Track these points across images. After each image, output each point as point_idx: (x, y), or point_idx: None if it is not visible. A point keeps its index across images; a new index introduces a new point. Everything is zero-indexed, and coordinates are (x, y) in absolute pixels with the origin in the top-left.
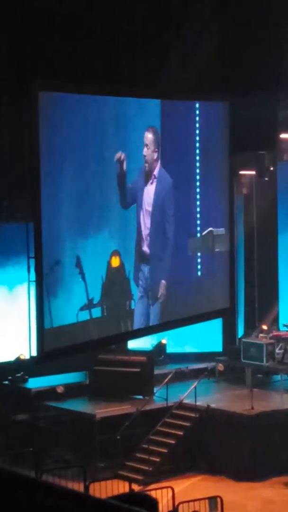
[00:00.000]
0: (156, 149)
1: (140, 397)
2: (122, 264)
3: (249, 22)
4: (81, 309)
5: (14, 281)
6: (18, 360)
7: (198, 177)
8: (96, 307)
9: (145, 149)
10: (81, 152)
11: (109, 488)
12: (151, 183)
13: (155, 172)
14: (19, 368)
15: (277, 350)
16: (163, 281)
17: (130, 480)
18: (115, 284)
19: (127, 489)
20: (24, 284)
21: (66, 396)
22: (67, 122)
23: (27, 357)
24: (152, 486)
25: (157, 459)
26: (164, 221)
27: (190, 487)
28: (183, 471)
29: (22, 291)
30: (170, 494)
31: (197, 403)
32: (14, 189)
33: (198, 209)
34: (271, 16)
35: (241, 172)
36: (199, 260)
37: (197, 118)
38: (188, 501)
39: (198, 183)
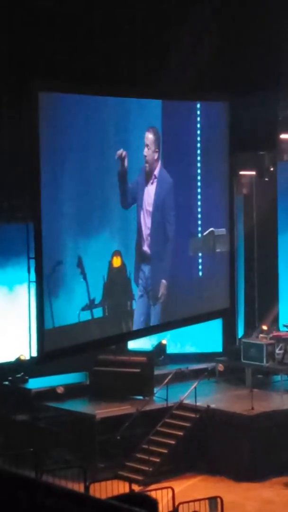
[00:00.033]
0: (157, 149)
1: (140, 397)
2: (123, 264)
3: (249, 22)
4: (83, 309)
5: (14, 281)
6: (18, 361)
7: (199, 177)
8: (98, 307)
9: (145, 149)
10: (81, 152)
11: (109, 489)
12: (152, 183)
13: (156, 172)
14: (19, 369)
15: (277, 351)
16: (163, 281)
17: (130, 481)
18: (117, 284)
19: (127, 490)
20: (24, 284)
21: (66, 396)
22: (67, 122)
23: (27, 357)
24: (152, 486)
25: (157, 460)
26: (165, 221)
27: (190, 488)
28: (183, 472)
29: (22, 291)
30: (170, 494)
31: (197, 404)
32: (14, 189)
33: (199, 210)
34: (271, 16)
35: (241, 173)
36: (200, 260)
37: (198, 119)
38: (188, 502)
39: (199, 184)
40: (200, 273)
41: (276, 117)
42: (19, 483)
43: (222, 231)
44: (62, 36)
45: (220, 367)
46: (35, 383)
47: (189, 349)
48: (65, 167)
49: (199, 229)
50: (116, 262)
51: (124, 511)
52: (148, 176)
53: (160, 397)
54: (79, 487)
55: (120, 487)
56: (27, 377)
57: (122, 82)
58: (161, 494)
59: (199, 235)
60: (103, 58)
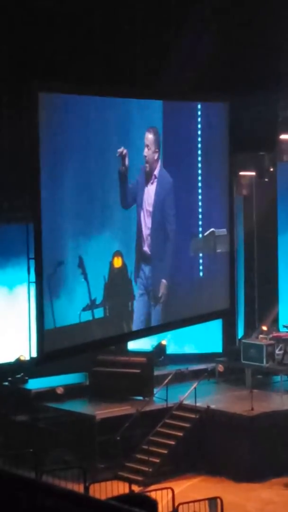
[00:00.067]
0: (157, 150)
1: (140, 398)
2: (124, 264)
3: (249, 22)
4: (84, 309)
5: (14, 282)
6: (18, 361)
7: (199, 177)
8: (99, 307)
9: (145, 149)
10: (81, 153)
11: (109, 489)
12: (152, 183)
13: (156, 172)
14: (19, 369)
15: (277, 351)
16: (163, 281)
17: (130, 481)
18: (118, 285)
19: (127, 490)
20: (24, 285)
21: (66, 397)
22: (67, 122)
23: (27, 358)
24: (152, 487)
25: (157, 460)
26: (165, 221)
27: (190, 488)
28: (183, 472)
29: (22, 292)
30: (170, 495)
31: (197, 404)
32: (14, 189)
33: (200, 210)
34: (271, 16)
35: (241, 173)
36: (201, 260)
37: (199, 119)
38: (188, 502)
39: (199, 184)
40: (201, 274)
41: (276, 117)
42: (19, 484)
43: (223, 231)
44: (62, 36)
45: (220, 367)
46: (35, 384)
47: (189, 349)
48: (65, 167)
49: (200, 229)
50: (117, 262)
51: None
52: (148, 176)
53: (160, 398)
54: (79, 488)
55: (120, 488)
56: (27, 378)
57: (122, 82)
58: (161, 495)
59: (200, 235)
60: (103, 58)
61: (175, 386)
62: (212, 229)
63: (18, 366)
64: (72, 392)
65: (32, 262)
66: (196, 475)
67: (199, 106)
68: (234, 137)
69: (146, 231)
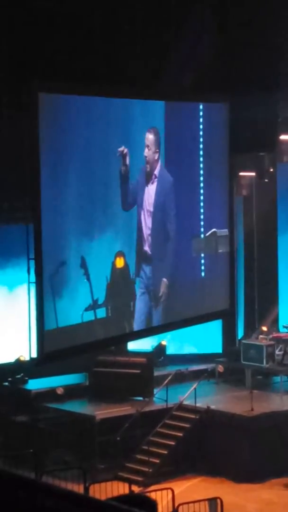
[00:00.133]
0: (157, 150)
1: (140, 398)
2: (126, 264)
3: (249, 22)
4: (86, 309)
5: (14, 282)
6: (18, 362)
7: (201, 178)
8: (101, 307)
9: (146, 150)
10: (82, 153)
11: (109, 490)
12: (152, 183)
13: (156, 172)
14: (19, 370)
15: (277, 352)
16: (164, 280)
17: (130, 482)
18: (120, 285)
19: (127, 491)
20: (24, 285)
21: (66, 397)
22: (67, 122)
23: (27, 358)
24: (152, 487)
25: (157, 461)
26: (166, 221)
27: (190, 489)
28: (183, 473)
29: (22, 292)
30: (170, 495)
31: (197, 405)
32: (14, 190)
33: (201, 210)
34: (271, 16)
35: (241, 174)
36: (202, 261)
37: (201, 120)
38: (188, 503)
39: (201, 184)
40: (203, 274)
41: (276, 118)
42: (19, 484)
43: (225, 231)
44: (62, 36)
45: (220, 368)
46: (35, 384)
47: (189, 350)
48: (65, 167)
49: (202, 229)
50: (119, 262)
51: None
52: (148, 176)
53: (160, 398)
54: (78, 488)
55: (120, 488)
56: (27, 378)
57: (122, 83)
58: (161, 495)
59: (202, 235)
60: (103, 58)
61: (175, 387)
62: (214, 230)
63: (18, 366)
64: (72, 392)
65: (32, 263)
66: (196, 476)
67: (201, 107)
68: (234, 137)
69: (146, 231)
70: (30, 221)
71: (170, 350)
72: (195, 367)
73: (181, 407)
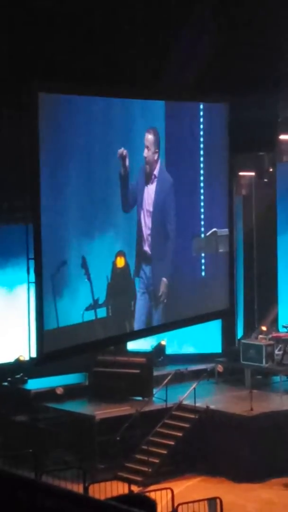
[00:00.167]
0: (157, 150)
1: (140, 398)
2: (127, 264)
3: (249, 22)
4: (87, 309)
5: (14, 282)
6: (17, 362)
7: (201, 177)
8: (101, 307)
9: (145, 150)
10: (82, 153)
11: (108, 490)
12: (152, 183)
13: (155, 172)
14: (18, 370)
15: (276, 351)
16: (164, 279)
17: (130, 482)
18: (120, 285)
19: (126, 491)
20: (24, 285)
21: (65, 397)
22: (67, 122)
23: (27, 358)
24: (152, 487)
25: (157, 460)
26: (165, 221)
27: (190, 488)
28: (182, 472)
29: (22, 292)
30: (170, 495)
31: (197, 404)
32: (14, 190)
33: (202, 210)
34: (271, 16)
35: (241, 173)
36: (203, 260)
37: (201, 120)
38: (187, 502)
39: (202, 184)
40: (203, 273)
41: (275, 118)
42: (19, 484)
43: (225, 231)
44: (62, 36)
45: (220, 368)
46: (34, 384)
47: (189, 350)
48: (65, 167)
49: (202, 229)
50: (120, 262)
51: None
52: (148, 176)
53: (159, 398)
54: (78, 488)
55: (119, 488)
56: (26, 378)
57: (122, 83)
58: (161, 495)
59: (202, 235)
60: (103, 58)
61: (174, 387)
62: (214, 229)
63: (17, 366)
64: (71, 392)
65: (31, 263)
66: (196, 476)
67: (201, 106)
68: (233, 137)
69: (146, 231)
70: (30, 221)
71: (169, 350)
72: (195, 367)
73: (180, 407)
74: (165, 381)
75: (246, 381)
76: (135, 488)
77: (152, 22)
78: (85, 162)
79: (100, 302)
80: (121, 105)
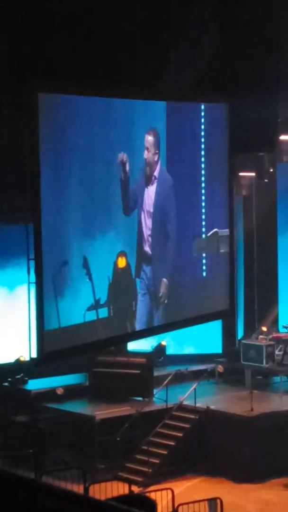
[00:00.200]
0: (157, 151)
1: (140, 398)
2: (128, 264)
3: (249, 22)
4: (88, 309)
5: (14, 282)
6: (18, 362)
7: (202, 178)
8: (103, 307)
9: (145, 152)
10: (82, 153)
11: (108, 490)
12: (152, 184)
13: (156, 173)
14: (19, 370)
15: (276, 352)
16: (164, 280)
17: (130, 482)
18: (122, 285)
19: (126, 491)
20: (24, 285)
21: (65, 397)
22: (67, 122)
23: (27, 358)
24: (152, 487)
25: (157, 461)
26: (166, 221)
27: (190, 489)
28: (182, 473)
29: (22, 292)
30: (170, 495)
31: (197, 405)
32: (14, 190)
33: (203, 210)
34: (271, 16)
35: (241, 174)
36: (204, 261)
37: (202, 120)
38: (187, 503)
39: (203, 184)
40: (204, 274)
41: (276, 118)
42: (19, 484)
43: (226, 231)
44: (62, 36)
45: (220, 368)
46: (34, 384)
47: (189, 350)
48: (65, 167)
49: (203, 229)
50: (121, 262)
51: None
52: (148, 178)
53: (159, 398)
54: (78, 488)
55: (119, 488)
56: (26, 378)
57: (122, 83)
58: (161, 495)
59: (203, 235)
60: (103, 58)
61: (174, 387)
62: (215, 230)
63: (18, 366)
64: (72, 392)
65: (32, 263)
66: (196, 476)
67: (202, 107)
68: (234, 137)
69: (147, 231)
70: (30, 221)
71: (170, 350)
72: (195, 367)
73: (181, 407)
74: (166, 382)
75: (247, 381)
76: (136, 489)
77: (152, 22)
78: (85, 162)
79: (102, 302)
80: (122, 105)
